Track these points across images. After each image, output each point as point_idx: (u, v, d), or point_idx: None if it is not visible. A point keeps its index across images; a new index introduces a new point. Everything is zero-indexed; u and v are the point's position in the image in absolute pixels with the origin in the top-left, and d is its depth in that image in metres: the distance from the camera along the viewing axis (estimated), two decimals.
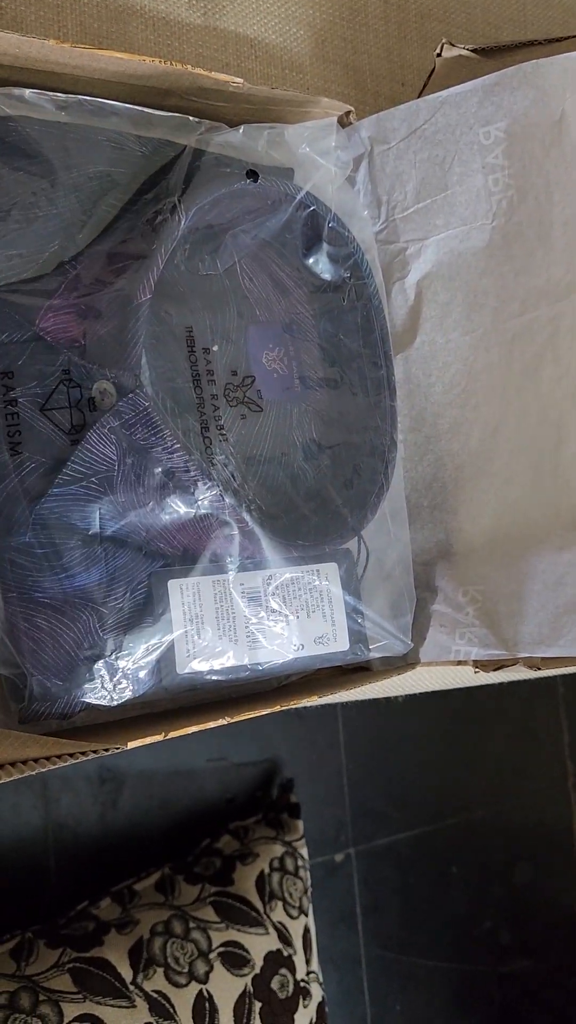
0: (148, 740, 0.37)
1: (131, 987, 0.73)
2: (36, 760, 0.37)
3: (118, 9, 0.46)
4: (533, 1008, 1.19)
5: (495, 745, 1.19)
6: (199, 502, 0.37)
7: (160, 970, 0.75)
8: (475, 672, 0.45)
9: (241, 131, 0.41)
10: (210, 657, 0.39)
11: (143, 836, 0.92)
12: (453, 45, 0.45)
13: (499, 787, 1.20)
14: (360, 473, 0.43)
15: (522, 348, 0.44)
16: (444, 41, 0.44)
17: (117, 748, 0.36)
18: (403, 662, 0.45)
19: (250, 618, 0.40)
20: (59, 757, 0.36)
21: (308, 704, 0.42)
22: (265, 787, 1.00)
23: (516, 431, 0.44)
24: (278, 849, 0.90)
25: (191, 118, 0.41)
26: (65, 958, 0.73)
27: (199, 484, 0.37)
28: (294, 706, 0.41)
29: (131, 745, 0.36)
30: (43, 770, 0.36)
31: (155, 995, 0.73)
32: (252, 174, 0.40)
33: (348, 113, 0.45)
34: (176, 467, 0.36)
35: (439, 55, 0.45)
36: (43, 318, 0.36)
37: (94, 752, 0.36)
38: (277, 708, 0.40)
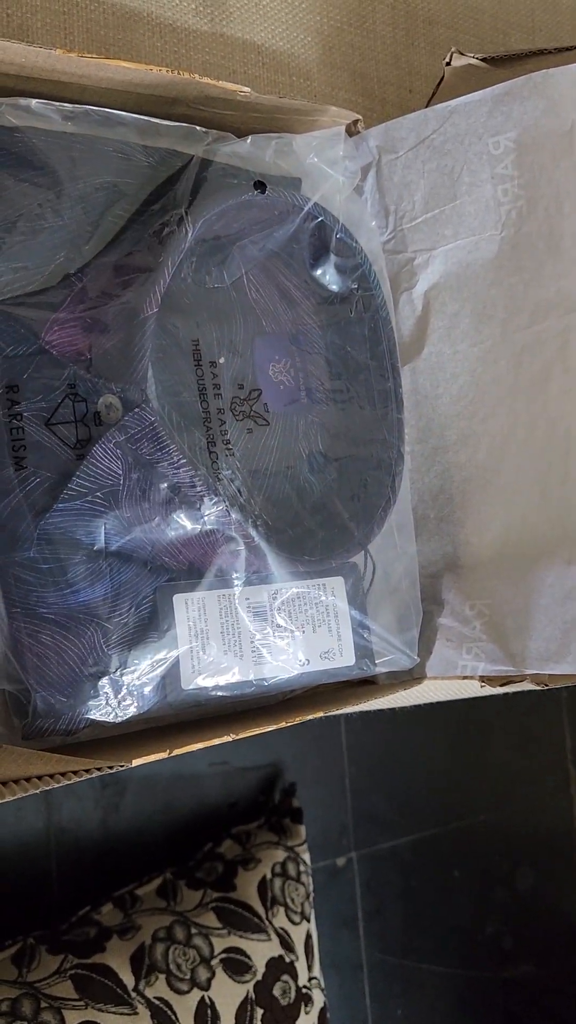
0: (152, 758, 0.37)
1: (133, 994, 0.73)
2: (40, 777, 0.36)
3: (124, 16, 0.46)
4: (535, 1013, 1.18)
5: (497, 750, 1.19)
6: (205, 517, 0.37)
7: (162, 977, 0.75)
8: (481, 687, 0.44)
9: (249, 141, 0.40)
10: (215, 673, 0.39)
11: (145, 840, 0.92)
12: (462, 54, 0.44)
13: (501, 792, 1.20)
14: (367, 486, 0.42)
15: (531, 360, 0.44)
16: (453, 50, 0.44)
17: (121, 766, 0.36)
18: (409, 676, 0.45)
19: (256, 633, 0.40)
20: (63, 775, 0.36)
21: (312, 719, 0.41)
22: (267, 791, 1.00)
23: (524, 444, 0.44)
24: (280, 854, 0.90)
25: (198, 128, 0.40)
26: (67, 964, 0.73)
27: (205, 499, 0.36)
28: (299, 722, 0.41)
29: (135, 763, 0.36)
30: (47, 788, 0.36)
31: (157, 1002, 0.73)
32: (260, 185, 0.39)
33: (356, 122, 0.45)
34: (182, 482, 0.36)
35: (448, 64, 0.45)
36: (49, 331, 0.36)
37: (98, 770, 0.36)
38: (283, 724, 0.40)
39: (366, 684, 0.46)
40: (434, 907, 1.12)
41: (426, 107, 0.45)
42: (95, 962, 0.74)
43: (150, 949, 0.76)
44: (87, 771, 0.36)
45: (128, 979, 0.73)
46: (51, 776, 0.36)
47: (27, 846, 0.86)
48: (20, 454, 0.36)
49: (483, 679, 0.43)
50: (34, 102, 0.37)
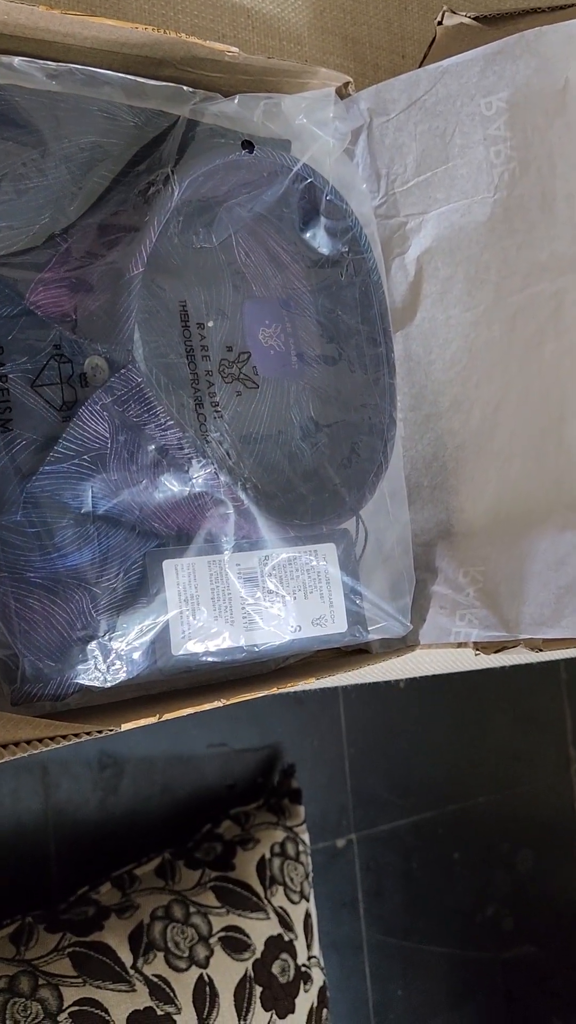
0: (143, 722, 0.36)
1: (131, 971, 0.73)
2: (28, 742, 0.36)
3: None
4: (535, 994, 1.19)
5: (497, 731, 1.19)
6: (193, 480, 0.37)
7: (160, 954, 0.75)
8: (476, 654, 0.44)
9: (236, 101, 0.40)
10: (206, 638, 0.39)
11: (144, 822, 0.92)
12: (454, 13, 0.44)
13: (501, 773, 1.20)
14: (358, 452, 0.42)
15: (524, 324, 0.43)
16: (445, 9, 0.43)
17: (111, 730, 0.36)
18: (402, 644, 0.45)
19: (246, 599, 0.39)
20: (52, 739, 0.36)
21: (306, 687, 0.41)
22: (266, 773, 1.00)
23: (518, 409, 0.43)
24: (279, 834, 0.90)
25: (185, 88, 0.40)
26: (65, 942, 0.73)
27: (193, 462, 0.36)
28: (291, 689, 0.40)
29: (125, 727, 0.36)
30: (35, 752, 0.35)
31: (155, 979, 0.73)
32: (247, 145, 0.39)
33: (347, 84, 0.45)
34: (170, 444, 0.36)
35: (440, 23, 0.44)
36: (33, 292, 0.35)
37: (87, 734, 0.36)
38: (274, 690, 0.40)
39: (359, 652, 0.46)
40: (434, 888, 1.12)
41: (418, 68, 0.44)
42: (93, 940, 0.74)
43: (148, 927, 0.76)
44: (76, 735, 0.36)
45: (126, 957, 0.73)
46: (40, 741, 0.36)
47: (25, 827, 0.86)
48: (5, 416, 0.35)
49: (477, 645, 0.43)
50: (16, 60, 0.36)
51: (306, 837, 0.93)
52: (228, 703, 0.38)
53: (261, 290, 0.42)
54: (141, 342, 0.35)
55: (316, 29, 0.51)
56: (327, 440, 0.42)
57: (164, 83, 0.40)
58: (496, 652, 0.43)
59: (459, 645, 0.44)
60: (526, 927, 1.19)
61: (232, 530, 0.39)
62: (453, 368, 0.45)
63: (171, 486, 0.37)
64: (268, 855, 0.87)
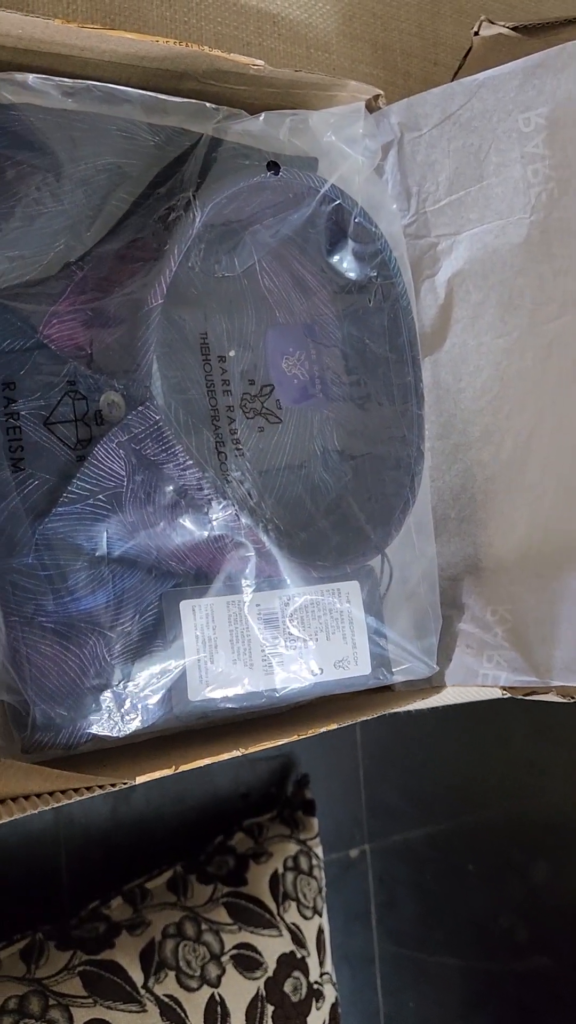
0: (157, 775, 0.35)
1: (142, 991, 0.72)
2: (39, 796, 0.35)
3: None
4: (549, 1006, 1.18)
5: (513, 742, 1.17)
6: (213, 522, 0.35)
7: (172, 973, 0.74)
8: (503, 695, 0.42)
9: (262, 118, 0.38)
10: (224, 684, 0.37)
11: (155, 832, 0.91)
12: (492, 23, 0.41)
13: (516, 784, 1.18)
14: (384, 486, 0.40)
15: (560, 353, 0.41)
16: (483, 18, 0.41)
17: (125, 783, 0.34)
18: (428, 684, 0.43)
19: (266, 642, 0.38)
20: (63, 793, 0.35)
21: (325, 731, 0.39)
22: (280, 783, 0.99)
23: (551, 442, 0.42)
24: (292, 848, 0.89)
25: (208, 104, 0.38)
26: (75, 961, 0.72)
27: (213, 503, 0.34)
28: (311, 735, 0.39)
29: (140, 780, 0.34)
30: (46, 808, 0.34)
31: (166, 999, 0.72)
32: (273, 166, 0.37)
33: (377, 97, 0.42)
34: (189, 485, 0.34)
35: (476, 33, 0.42)
36: (47, 324, 0.34)
37: (100, 788, 0.34)
38: (294, 737, 0.38)
39: (382, 691, 0.44)
40: (448, 900, 1.11)
41: (452, 80, 0.42)
42: (104, 958, 0.73)
43: (160, 945, 0.75)
44: (88, 789, 0.34)
45: (137, 976, 0.72)
46: (51, 794, 0.35)
47: (36, 838, 0.85)
48: (17, 455, 0.34)
49: (505, 689, 0.41)
50: (31, 77, 0.34)
51: (319, 850, 0.92)
52: (247, 752, 0.37)
53: (285, 316, 0.40)
54: (160, 377, 0.33)
55: (345, 36, 0.48)
56: (352, 473, 0.41)
57: (186, 100, 0.38)
58: (526, 696, 0.41)
59: (486, 687, 0.42)
60: (540, 939, 1.18)
61: (253, 571, 0.37)
62: (484, 397, 0.43)
63: (189, 528, 0.35)
64: (281, 869, 0.86)
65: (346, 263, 0.41)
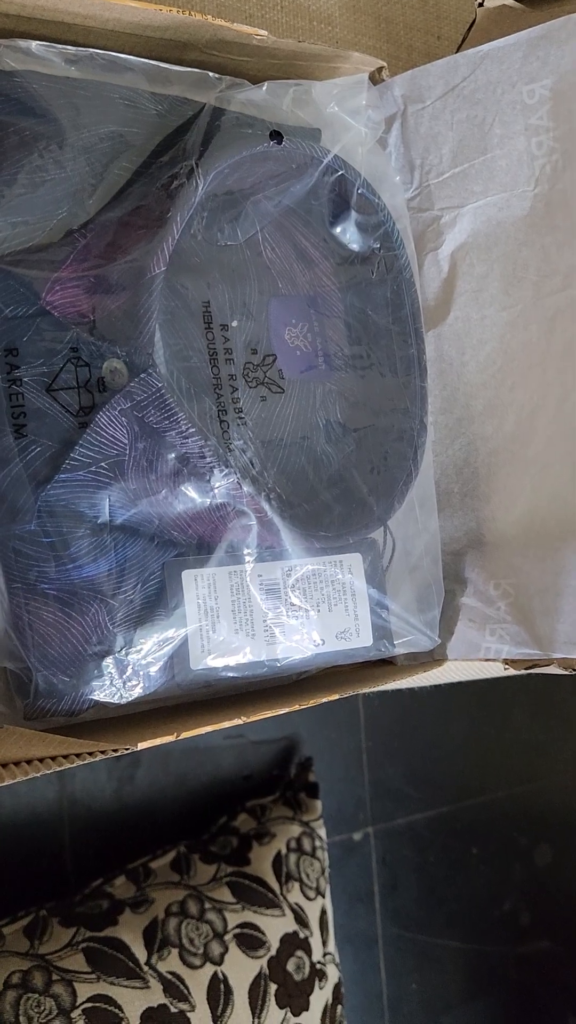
0: (159, 741, 0.35)
1: (145, 968, 0.72)
2: (42, 760, 0.35)
3: None
4: (551, 989, 1.18)
5: (518, 724, 1.18)
6: (215, 490, 0.35)
7: (175, 951, 0.75)
8: (505, 670, 0.42)
9: (264, 88, 0.38)
10: (226, 653, 0.37)
11: (159, 813, 0.91)
12: None
13: (521, 767, 1.18)
14: (387, 459, 0.40)
15: (564, 326, 0.41)
16: None
17: (127, 749, 0.34)
18: (430, 658, 0.43)
19: (268, 612, 0.38)
20: (66, 758, 0.35)
21: (327, 701, 0.39)
22: (283, 765, 0.99)
23: (555, 415, 0.41)
24: (295, 829, 0.89)
25: (211, 74, 0.38)
26: (79, 937, 0.72)
27: (215, 471, 0.35)
28: (313, 704, 0.39)
29: (141, 746, 0.35)
30: (49, 771, 0.34)
31: (169, 976, 0.73)
32: (276, 135, 0.37)
33: (380, 69, 0.42)
34: (191, 453, 0.34)
35: (480, 5, 0.42)
36: (50, 291, 0.34)
37: (103, 753, 0.34)
38: (295, 707, 0.38)
39: (384, 664, 0.44)
40: (451, 882, 1.11)
41: (456, 52, 0.42)
42: (107, 935, 0.73)
43: (163, 923, 0.76)
44: (91, 754, 0.35)
45: (140, 953, 0.73)
46: (52, 759, 0.35)
47: (40, 817, 0.85)
48: (20, 421, 0.34)
49: (507, 662, 0.41)
50: (35, 44, 0.34)
51: (322, 832, 0.92)
52: (249, 720, 0.37)
53: (288, 287, 0.40)
54: (162, 345, 0.33)
55: (348, 9, 0.48)
56: (354, 445, 0.41)
57: (189, 69, 0.38)
58: (528, 669, 0.41)
59: (488, 660, 0.42)
60: (543, 922, 1.18)
61: (255, 541, 0.37)
62: (487, 370, 0.43)
63: (191, 496, 0.35)
64: (284, 850, 0.87)
65: (349, 234, 0.40)
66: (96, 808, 0.88)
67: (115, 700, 0.36)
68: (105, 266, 0.34)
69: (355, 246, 0.41)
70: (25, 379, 0.34)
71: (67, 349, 0.34)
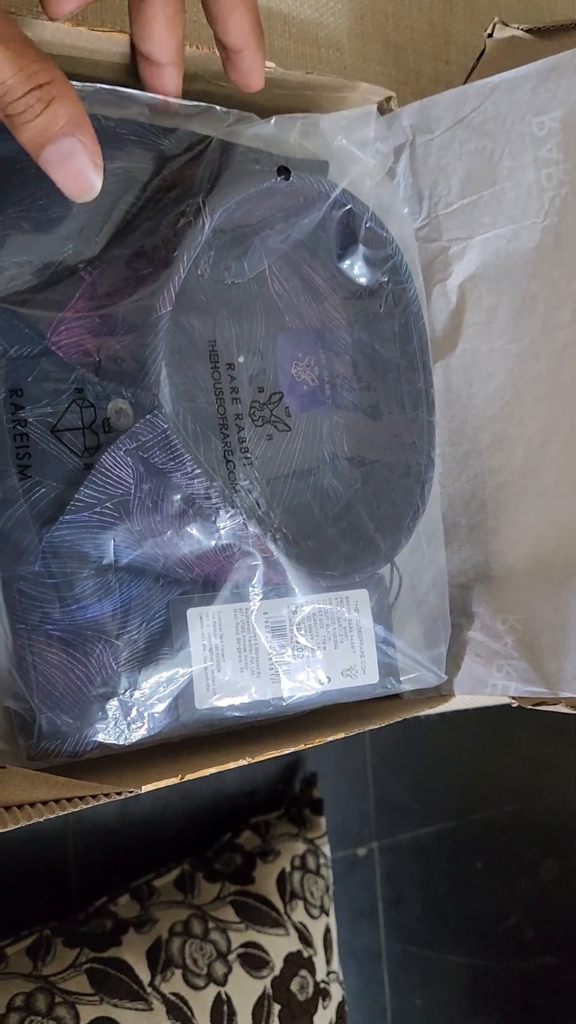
0: (163, 783, 0.35)
1: (148, 989, 0.72)
2: (45, 803, 0.35)
3: None
4: (556, 1005, 1.17)
5: (523, 739, 1.17)
6: (221, 531, 0.35)
7: (178, 972, 0.74)
8: (514, 706, 0.42)
9: (272, 122, 0.38)
10: (231, 693, 0.37)
11: (163, 829, 0.91)
12: (506, 25, 0.41)
13: (526, 782, 1.18)
14: (394, 494, 0.40)
15: (573, 359, 0.41)
16: (496, 20, 0.41)
17: (131, 792, 0.34)
18: (436, 693, 0.43)
19: (274, 651, 0.38)
20: (68, 801, 0.34)
21: (333, 740, 0.39)
22: (287, 781, 0.99)
23: (564, 449, 0.41)
24: (300, 847, 0.89)
25: (218, 108, 0.37)
26: (82, 958, 0.72)
27: (221, 512, 0.34)
28: (319, 743, 0.39)
29: (145, 788, 0.34)
30: (51, 816, 0.34)
31: (173, 998, 0.73)
32: (284, 170, 0.36)
33: (388, 99, 0.42)
34: (197, 494, 0.34)
35: (490, 35, 0.41)
36: (55, 331, 0.33)
37: (106, 796, 0.34)
38: (302, 746, 0.38)
39: (391, 699, 0.44)
40: (455, 898, 1.11)
41: (465, 83, 0.42)
42: (111, 956, 0.73)
43: (167, 943, 0.76)
44: (94, 796, 0.34)
45: (144, 974, 0.73)
46: (56, 802, 0.35)
47: (45, 835, 0.85)
48: (24, 462, 0.33)
49: (515, 699, 0.41)
50: None
51: (327, 849, 0.92)
52: (254, 761, 0.37)
53: (295, 321, 0.40)
54: (168, 385, 0.33)
55: (356, 35, 0.48)
56: (361, 481, 0.40)
57: (195, 103, 0.37)
58: (535, 707, 0.41)
59: (495, 696, 0.42)
60: (547, 937, 1.17)
61: (260, 580, 0.37)
62: (496, 403, 0.43)
63: (197, 537, 0.35)
64: (288, 868, 0.86)
65: (357, 268, 0.40)
66: (101, 826, 0.88)
67: (119, 742, 0.35)
68: (111, 306, 0.33)
69: (363, 280, 0.40)
70: (30, 420, 0.33)
71: (72, 389, 0.34)
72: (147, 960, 0.74)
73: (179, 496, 0.34)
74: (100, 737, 0.35)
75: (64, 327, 0.33)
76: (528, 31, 0.41)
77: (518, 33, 0.41)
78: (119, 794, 0.34)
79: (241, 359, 0.38)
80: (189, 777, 0.35)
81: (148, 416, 0.33)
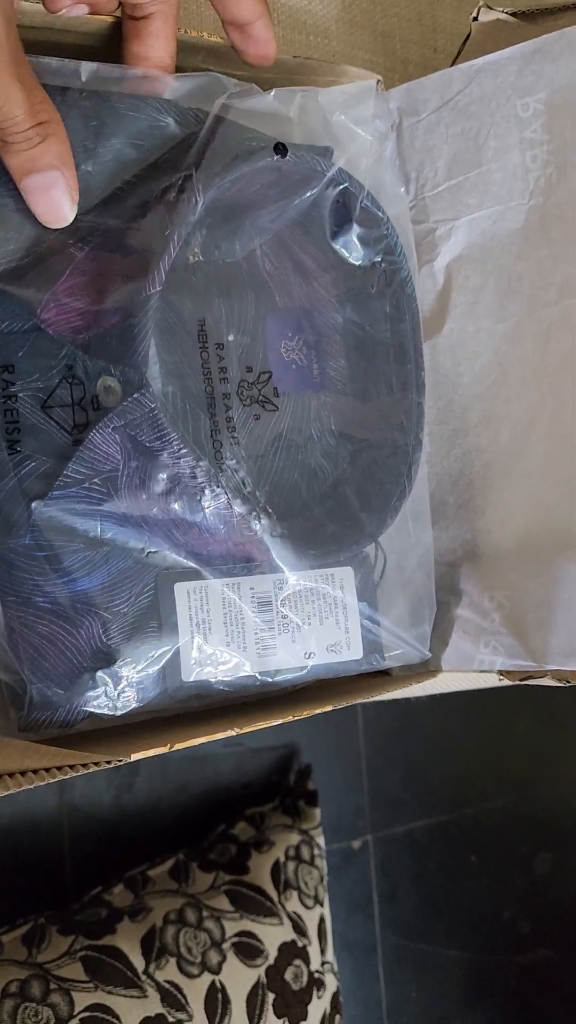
0: (152, 752, 0.35)
1: (143, 976, 0.73)
2: (36, 772, 0.35)
3: None
4: (550, 998, 1.18)
5: (518, 733, 1.18)
6: (206, 510, 0.35)
7: (172, 960, 0.75)
8: (500, 681, 0.43)
9: (272, 95, 0.38)
10: (218, 665, 0.38)
11: (158, 820, 0.92)
12: (491, 8, 0.42)
13: (521, 775, 1.19)
14: (380, 474, 0.41)
15: (559, 339, 0.41)
16: (482, 3, 0.41)
17: (120, 760, 0.35)
18: (424, 669, 0.43)
19: (259, 625, 0.38)
20: (59, 769, 0.35)
21: (321, 712, 0.40)
22: (282, 773, 0.99)
23: (551, 428, 0.42)
24: (294, 837, 0.89)
25: (220, 75, 0.37)
26: (77, 946, 0.73)
27: (207, 491, 0.35)
28: (307, 715, 0.39)
29: (135, 757, 0.35)
30: (43, 783, 0.35)
31: (167, 985, 0.73)
32: (281, 148, 0.37)
33: (377, 82, 0.43)
34: (183, 472, 0.34)
35: (475, 19, 0.42)
36: (45, 308, 0.34)
37: (96, 764, 0.35)
38: (289, 718, 0.39)
39: (379, 675, 0.45)
40: (450, 891, 1.11)
41: (451, 66, 0.42)
42: (105, 944, 0.74)
43: (161, 932, 0.76)
44: (84, 765, 0.35)
45: (138, 962, 0.73)
46: (47, 770, 0.35)
47: (40, 824, 0.86)
48: (14, 437, 0.34)
49: (502, 674, 0.42)
50: (54, 60, 0.35)
51: (321, 840, 0.92)
52: (242, 732, 0.37)
53: (284, 300, 0.40)
54: (157, 363, 0.34)
55: (344, 23, 0.49)
56: (348, 461, 0.41)
57: (194, 74, 0.37)
58: (522, 681, 0.41)
59: (482, 672, 0.42)
60: (543, 931, 1.18)
61: (246, 556, 0.37)
62: (483, 382, 0.43)
63: (183, 515, 0.35)
64: (283, 859, 0.87)
65: (350, 247, 0.41)
66: (95, 816, 0.89)
67: (108, 712, 0.36)
68: (100, 284, 0.34)
69: (356, 259, 0.41)
70: (20, 395, 0.34)
71: (62, 366, 0.34)
72: (141, 948, 0.74)
73: (165, 475, 0.35)
74: (90, 707, 0.36)
75: (54, 304, 0.34)
76: (513, 14, 0.41)
77: (503, 16, 0.41)
78: (108, 762, 0.35)
79: (231, 338, 0.38)
80: (178, 746, 0.36)
81: (136, 395, 0.34)
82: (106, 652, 0.36)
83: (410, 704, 1.07)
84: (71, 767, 0.35)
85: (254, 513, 0.36)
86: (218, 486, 0.34)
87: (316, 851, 0.90)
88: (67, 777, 0.35)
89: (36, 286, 0.34)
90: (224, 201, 0.37)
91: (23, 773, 0.36)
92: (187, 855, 0.86)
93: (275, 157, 0.36)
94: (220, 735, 0.37)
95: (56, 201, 0.33)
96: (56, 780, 0.35)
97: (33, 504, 0.34)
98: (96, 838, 0.88)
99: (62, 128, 0.33)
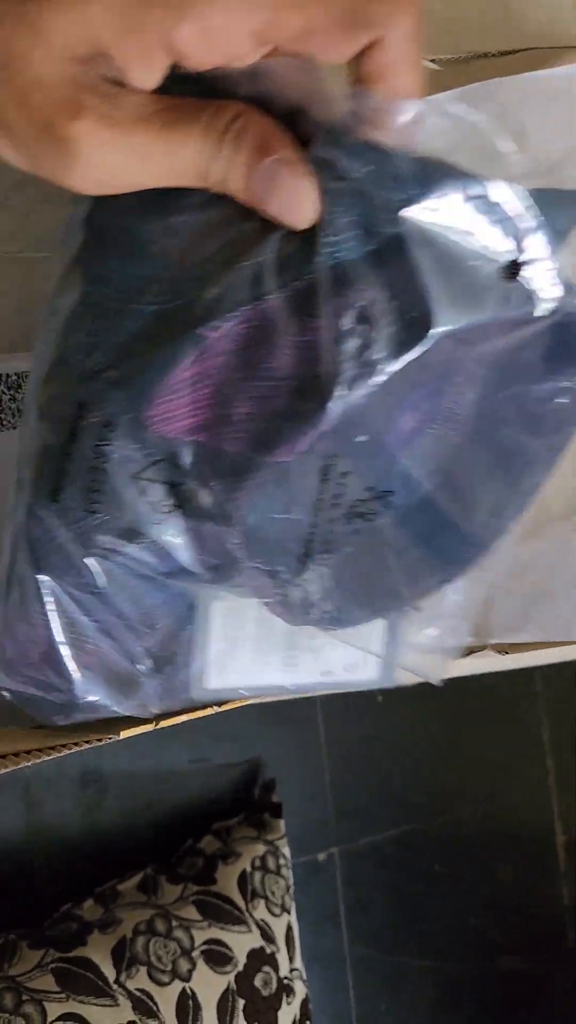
0: (139, 729, 0.41)
1: (114, 986, 0.77)
2: (29, 752, 0.40)
3: None
4: (520, 1005, 1.24)
5: (476, 744, 1.25)
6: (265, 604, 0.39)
7: (143, 969, 0.80)
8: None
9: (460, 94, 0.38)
10: (243, 676, 0.42)
11: (127, 838, 0.96)
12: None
13: (482, 786, 1.25)
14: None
15: None
16: None
17: (110, 738, 0.40)
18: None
19: (287, 643, 0.42)
20: (52, 748, 0.40)
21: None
22: (247, 787, 1.04)
23: None
24: (260, 848, 0.95)
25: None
26: (48, 959, 0.77)
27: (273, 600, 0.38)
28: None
29: (124, 735, 0.40)
30: (37, 761, 0.40)
31: (138, 993, 0.78)
32: (512, 267, 0.29)
33: None
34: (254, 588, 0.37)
35: None
36: (152, 404, 0.31)
37: (87, 742, 0.40)
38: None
39: None
40: (417, 901, 1.17)
41: None
42: (76, 955, 0.78)
43: (131, 942, 0.81)
44: (76, 744, 0.40)
45: (109, 971, 0.78)
46: (40, 751, 0.40)
47: (9, 844, 0.89)
48: (95, 498, 0.33)
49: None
50: None
51: (286, 850, 0.98)
52: (221, 710, 0.43)
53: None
54: (257, 508, 0.32)
55: None
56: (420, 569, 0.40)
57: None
58: (465, 656, 0.47)
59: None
60: (510, 938, 1.24)
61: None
62: None
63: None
64: (249, 869, 0.92)
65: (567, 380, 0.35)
66: (65, 835, 0.94)
67: (139, 714, 0.41)
68: (228, 392, 0.31)
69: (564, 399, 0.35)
70: (115, 456, 0.32)
71: (159, 453, 0.33)
72: (112, 958, 0.79)
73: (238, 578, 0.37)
74: (122, 708, 0.39)
75: (164, 400, 0.31)
76: (432, 60, 0.48)
77: (425, 63, 0.48)
78: (100, 740, 0.40)
79: (360, 463, 0.34)
80: (163, 724, 0.41)
81: (225, 527, 0.33)
82: (140, 659, 0.39)
83: (371, 718, 1.13)
84: (64, 746, 0.40)
85: (313, 616, 0.37)
86: (285, 597, 0.36)
87: (282, 861, 0.96)
88: (61, 755, 0.40)
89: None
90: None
91: (16, 754, 0.41)
92: (155, 869, 0.91)
93: (504, 278, 0.29)
94: (202, 713, 0.42)
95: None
96: (52, 758, 0.40)
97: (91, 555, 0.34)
98: (66, 857, 0.93)
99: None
